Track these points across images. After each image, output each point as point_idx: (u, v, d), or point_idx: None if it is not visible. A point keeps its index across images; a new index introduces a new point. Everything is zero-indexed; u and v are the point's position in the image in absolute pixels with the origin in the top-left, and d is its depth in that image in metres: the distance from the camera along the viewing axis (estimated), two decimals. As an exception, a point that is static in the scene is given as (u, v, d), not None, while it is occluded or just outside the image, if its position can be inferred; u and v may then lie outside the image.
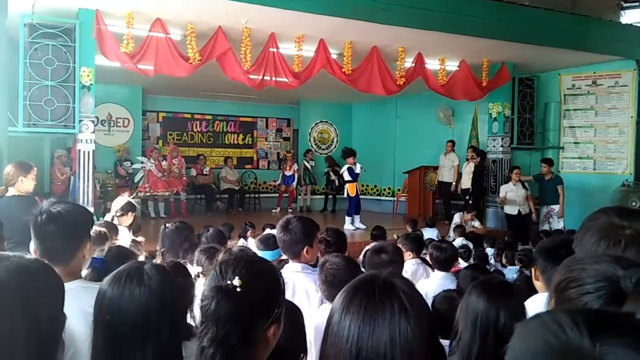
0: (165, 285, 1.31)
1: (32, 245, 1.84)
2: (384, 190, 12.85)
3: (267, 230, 5.06)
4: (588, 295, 1.00)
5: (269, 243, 3.39)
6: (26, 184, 4.05)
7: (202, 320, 1.12)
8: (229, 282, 1.11)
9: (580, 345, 0.60)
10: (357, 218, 9.24)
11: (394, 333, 0.93)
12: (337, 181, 11.68)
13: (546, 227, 8.72)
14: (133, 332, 1.25)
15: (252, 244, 5.19)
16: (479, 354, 1.49)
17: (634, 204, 8.76)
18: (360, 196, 10.41)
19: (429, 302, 2.51)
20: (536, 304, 1.88)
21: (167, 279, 1.34)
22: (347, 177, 9.31)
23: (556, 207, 8.84)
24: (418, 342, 0.94)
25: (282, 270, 2.65)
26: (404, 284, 1.02)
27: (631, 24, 9.39)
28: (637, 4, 9.64)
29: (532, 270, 2.13)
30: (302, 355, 1.61)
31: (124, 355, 1.25)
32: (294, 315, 1.66)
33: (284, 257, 3.14)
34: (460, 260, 5.15)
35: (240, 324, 1.11)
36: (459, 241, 6.65)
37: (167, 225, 3.17)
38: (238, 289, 1.10)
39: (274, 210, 11.32)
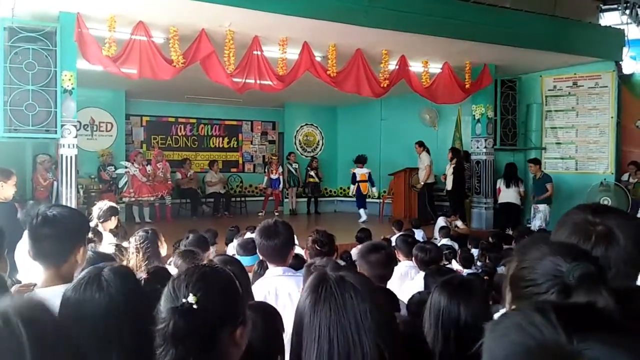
0: (125, 290, 1.31)
1: (27, 247, 1.86)
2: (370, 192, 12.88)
3: (248, 234, 5.03)
4: (541, 296, 1.05)
5: (248, 248, 3.38)
6: (6, 190, 4.03)
7: (160, 342, 1.09)
8: (184, 300, 1.09)
9: (557, 343, 0.60)
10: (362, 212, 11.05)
11: (357, 317, 1.05)
12: (319, 183, 12.25)
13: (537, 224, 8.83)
14: (93, 339, 1.24)
15: (231, 248, 5.17)
16: (442, 352, 1.50)
17: (605, 202, 8.92)
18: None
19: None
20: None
21: (128, 284, 1.34)
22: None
23: (541, 206, 8.95)
24: (380, 318, 1.06)
25: (264, 276, 2.65)
26: (351, 275, 1.13)
27: (610, 26, 9.56)
28: (616, 6, 9.81)
29: None
30: (278, 357, 1.61)
31: None
32: (271, 317, 1.66)
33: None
34: (447, 261, 5.20)
35: (200, 339, 1.09)
36: (443, 242, 6.70)
37: (137, 231, 3.23)
38: (194, 306, 1.09)
39: (260, 214, 11.29)
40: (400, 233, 5.97)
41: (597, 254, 1.23)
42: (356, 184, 11.22)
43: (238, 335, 1.14)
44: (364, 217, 10.86)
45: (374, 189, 11.47)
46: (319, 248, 2.96)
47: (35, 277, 2.46)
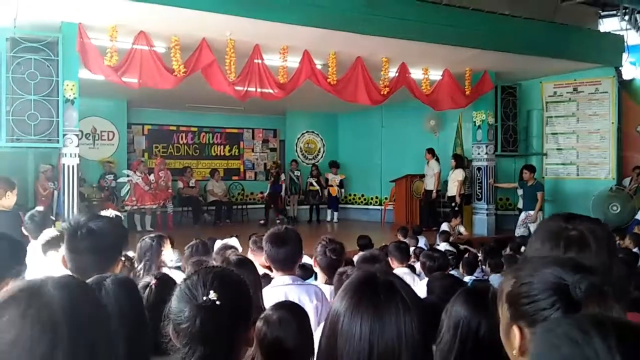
0: (122, 302, 1.31)
1: (61, 256, 1.86)
2: (371, 199, 12.89)
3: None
4: (545, 311, 1.00)
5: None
6: (10, 199, 4.07)
7: (186, 341, 1.10)
8: (204, 297, 1.10)
9: None
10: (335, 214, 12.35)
11: (400, 328, 1.01)
12: (320, 191, 12.32)
13: (521, 231, 8.70)
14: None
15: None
16: (457, 358, 1.50)
17: (614, 208, 8.88)
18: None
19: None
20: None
21: (126, 296, 1.34)
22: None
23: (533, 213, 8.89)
24: (419, 334, 1.02)
25: (271, 285, 2.64)
26: (400, 282, 1.09)
27: (610, 32, 9.60)
28: (615, 12, 9.85)
29: None
30: (309, 358, 1.62)
31: None
32: (302, 319, 1.67)
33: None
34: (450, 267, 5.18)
35: (225, 335, 1.11)
36: (442, 246, 6.70)
37: (143, 238, 3.30)
38: (217, 302, 1.10)
39: (262, 221, 11.29)
40: (398, 240, 5.95)
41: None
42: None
43: (251, 334, 1.18)
44: (331, 218, 12.36)
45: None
46: (334, 257, 2.83)
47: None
